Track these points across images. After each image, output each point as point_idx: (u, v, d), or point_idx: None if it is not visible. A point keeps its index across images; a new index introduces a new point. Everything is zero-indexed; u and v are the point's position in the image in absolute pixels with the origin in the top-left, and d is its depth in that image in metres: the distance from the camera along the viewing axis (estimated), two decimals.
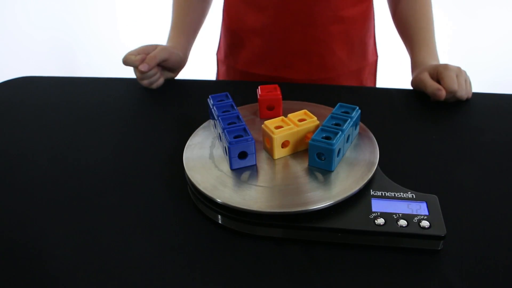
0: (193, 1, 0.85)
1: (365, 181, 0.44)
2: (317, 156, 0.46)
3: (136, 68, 0.74)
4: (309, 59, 0.83)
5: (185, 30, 0.84)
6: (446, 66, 0.68)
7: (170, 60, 0.77)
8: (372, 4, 0.86)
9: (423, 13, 0.79)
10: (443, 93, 0.65)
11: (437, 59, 0.77)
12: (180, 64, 0.80)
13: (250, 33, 0.83)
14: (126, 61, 0.73)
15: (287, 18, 0.78)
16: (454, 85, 0.65)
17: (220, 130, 0.50)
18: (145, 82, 0.76)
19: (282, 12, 0.78)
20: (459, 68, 0.69)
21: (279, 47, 0.82)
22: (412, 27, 0.80)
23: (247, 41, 0.84)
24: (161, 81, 0.78)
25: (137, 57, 0.73)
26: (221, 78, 0.97)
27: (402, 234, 0.40)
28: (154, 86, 0.77)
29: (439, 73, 0.69)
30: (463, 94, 0.67)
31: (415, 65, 0.77)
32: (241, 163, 0.48)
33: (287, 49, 0.82)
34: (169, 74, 0.81)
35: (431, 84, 0.68)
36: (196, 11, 0.86)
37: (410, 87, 0.75)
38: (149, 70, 0.73)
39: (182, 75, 0.84)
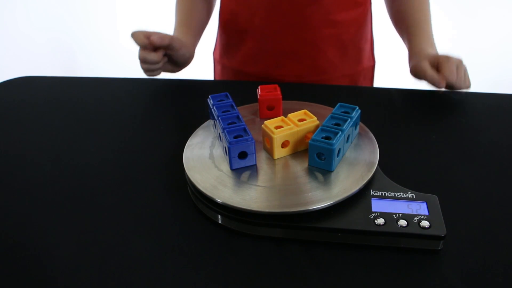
0: (198, 2, 0.85)
1: (365, 181, 0.44)
2: (317, 156, 0.46)
3: (141, 46, 0.71)
4: (300, 61, 0.83)
5: (191, 28, 0.83)
6: (447, 58, 0.70)
7: (180, 51, 0.75)
8: (369, 9, 0.86)
9: (420, 7, 0.80)
10: (443, 84, 0.69)
11: (435, 48, 0.78)
12: (187, 59, 0.79)
13: (243, 33, 0.84)
14: (136, 34, 0.70)
15: (278, 20, 0.79)
16: (453, 77, 0.68)
17: (220, 130, 0.50)
18: (144, 66, 0.74)
19: (273, 14, 0.78)
20: (460, 60, 0.71)
21: (270, 48, 0.83)
22: (409, 19, 0.80)
23: (240, 41, 0.85)
24: (158, 73, 0.76)
25: (150, 32, 0.71)
26: (217, 77, 0.98)
27: (402, 234, 0.40)
28: (149, 74, 0.75)
29: (439, 64, 0.70)
30: (461, 85, 0.70)
31: (413, 54, 0.77)
32: (241, 163, 0.48)
33: (279, 50, 0.82)
34: (171, 68, 0.78)
35: (431, 74, 0.70)
36: (201, 12, 0.86)
37: (410, 87, 0.75)
38: (161, 45, 0.70)
39: (182, 75, 0.84)
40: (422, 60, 0.72)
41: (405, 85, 0.77)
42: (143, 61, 0.72)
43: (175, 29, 0.82)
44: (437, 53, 0.74)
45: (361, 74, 0.90)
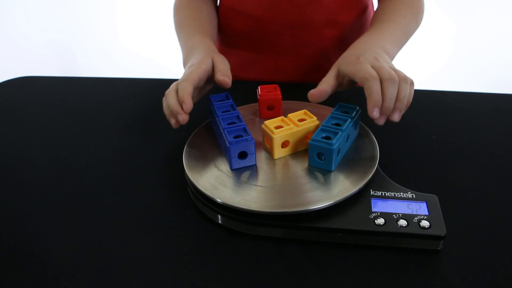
0: (203, 5, 0.77)
1: (365, 181, 0.44)
2: (317, 156, 0.46)
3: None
4: (300, 63, 0.81)
5: (209, 34, 0.71)
6: (353, 62, 0.52)
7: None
8: (372, 10, 0.84)
9: (392, 11, 0.68)
10: (314, 95, 0.52)
11: (387, 48, 0.58)
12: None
13: (239, 37, 0.81)
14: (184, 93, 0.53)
15: (276, 21, 0.76)
16: (369, 71, 0.48)
17: (220, 130, 0.50)
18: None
19: (270, 14, 0.75)
20: (375, 58, 0.53)
21: (269, 51, 0.80)
22: (374, 21, 0.68)
23: (236, 46, 0.82)
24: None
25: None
26: None
27: (402, 234, 0.40)
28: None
29: (345, 69, 0.53)
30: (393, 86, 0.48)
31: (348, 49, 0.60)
32: (241, 163, 0.48)
33: (278, 52, 0.80)
34: (209, 86, 0.62)
35: (323, 81, 0.54)
36: (211, 15, 0.78)
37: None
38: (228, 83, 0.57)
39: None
40: (336, 64, 0.56)
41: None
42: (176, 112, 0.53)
43: (191, 38, 0.68)
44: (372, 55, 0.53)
45: None
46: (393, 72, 0.49)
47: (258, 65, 0.83)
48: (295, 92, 0.72)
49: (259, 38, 0.79)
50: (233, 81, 0.89)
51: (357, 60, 0.52)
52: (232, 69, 0.83)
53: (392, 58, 0.60)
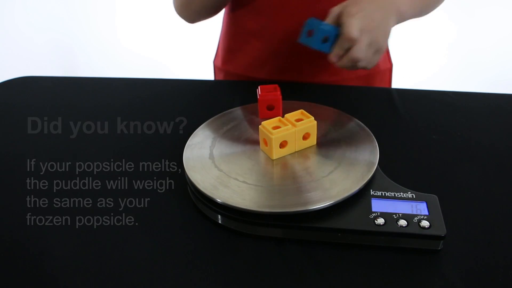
0: None
1: (365, 181, 0.44)
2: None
3: None
4: (311, 61, 0.80)
5: None
6: (351, 13, 0.57)
7: None
8: None
9: None
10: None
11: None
12: None
13: (249, 35, 0.80)
14: None
15: (287, 18, 0.76)
16: (353, 32, 0.55)
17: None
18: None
19: (281, 12, 0.76)
20: (376, 39, 0.58)
21: (279, 49, 0.79)
22: None
23: (246, 44, 0.82)
24: None
25: None
26: None
27: (402, 234, 0.40)
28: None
29: (341, 16, 0.58)
30: (361, 55, 0.57)
31: None
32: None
33: (288, 50, 0.79)
34: None
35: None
36: None
37: (410, 87, 0.74)
38: None
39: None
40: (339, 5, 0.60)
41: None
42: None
43: None
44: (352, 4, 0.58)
45: (377, 77, 0.85)
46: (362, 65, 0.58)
47: (267, 64, 0.82)
48: (296, 92, 0.72)
49: (269, 36, 0.79)
50: (234, 81, 0.89)
51: (359, 38, 0.56)
52: (241, 69, 0.83)
53: (404, 20, 0.63)
